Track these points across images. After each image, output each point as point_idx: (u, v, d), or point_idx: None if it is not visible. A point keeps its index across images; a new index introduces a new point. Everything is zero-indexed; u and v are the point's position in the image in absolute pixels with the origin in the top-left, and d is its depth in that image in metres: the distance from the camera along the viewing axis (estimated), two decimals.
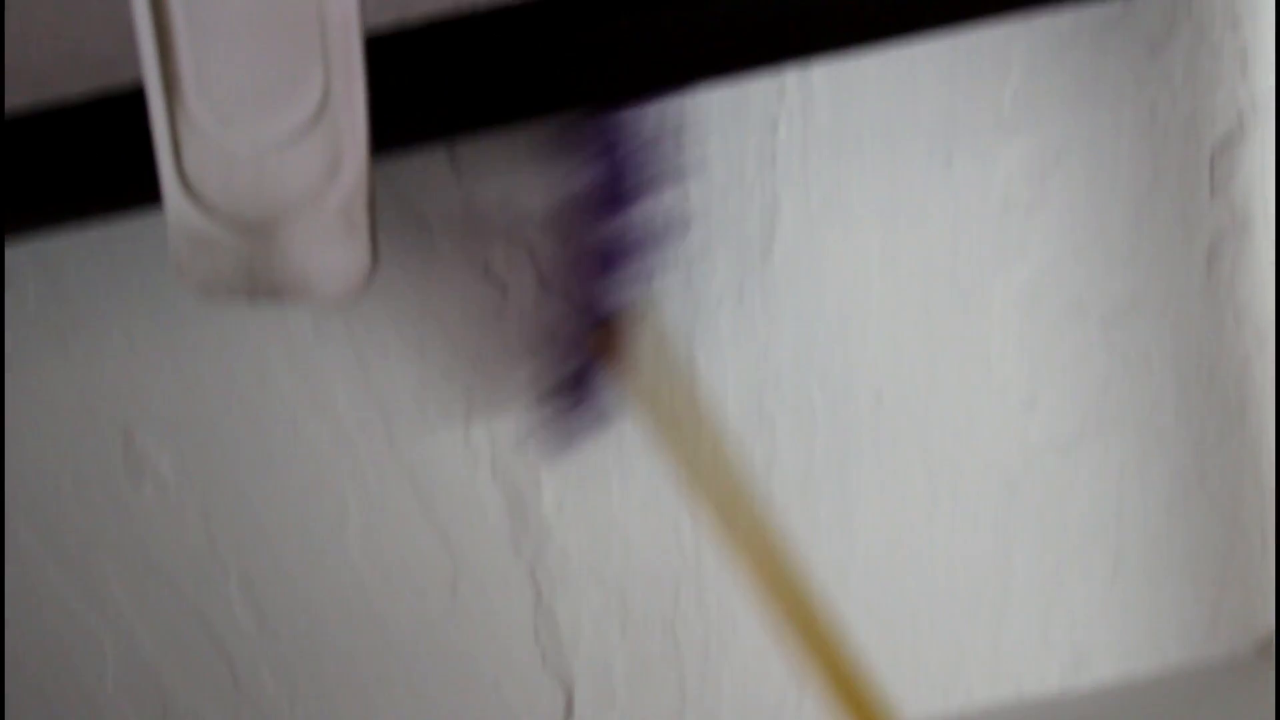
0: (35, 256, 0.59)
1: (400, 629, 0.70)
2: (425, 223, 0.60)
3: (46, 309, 0.61)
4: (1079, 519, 0.70)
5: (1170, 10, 0.57)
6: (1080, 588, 0.71)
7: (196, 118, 0.45)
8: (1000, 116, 0.59)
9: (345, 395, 0.64)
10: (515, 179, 0.58)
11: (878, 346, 0.64)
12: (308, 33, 0.44)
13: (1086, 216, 0.62)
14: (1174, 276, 0.63)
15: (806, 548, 0.67)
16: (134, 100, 0.48)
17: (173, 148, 0.46)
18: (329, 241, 0.47)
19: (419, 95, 0.51)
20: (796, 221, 0.61)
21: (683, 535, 0.68)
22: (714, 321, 0.63)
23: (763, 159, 0.60)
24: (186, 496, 0.66)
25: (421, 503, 0.67)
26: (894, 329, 0.64)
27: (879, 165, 0.60)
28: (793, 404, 0.65)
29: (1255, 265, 0.64)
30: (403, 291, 0.61)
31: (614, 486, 0.67)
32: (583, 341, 0.50)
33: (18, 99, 0.53)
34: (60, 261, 0.60)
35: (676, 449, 0.45)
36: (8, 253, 0.59)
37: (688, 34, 0.50)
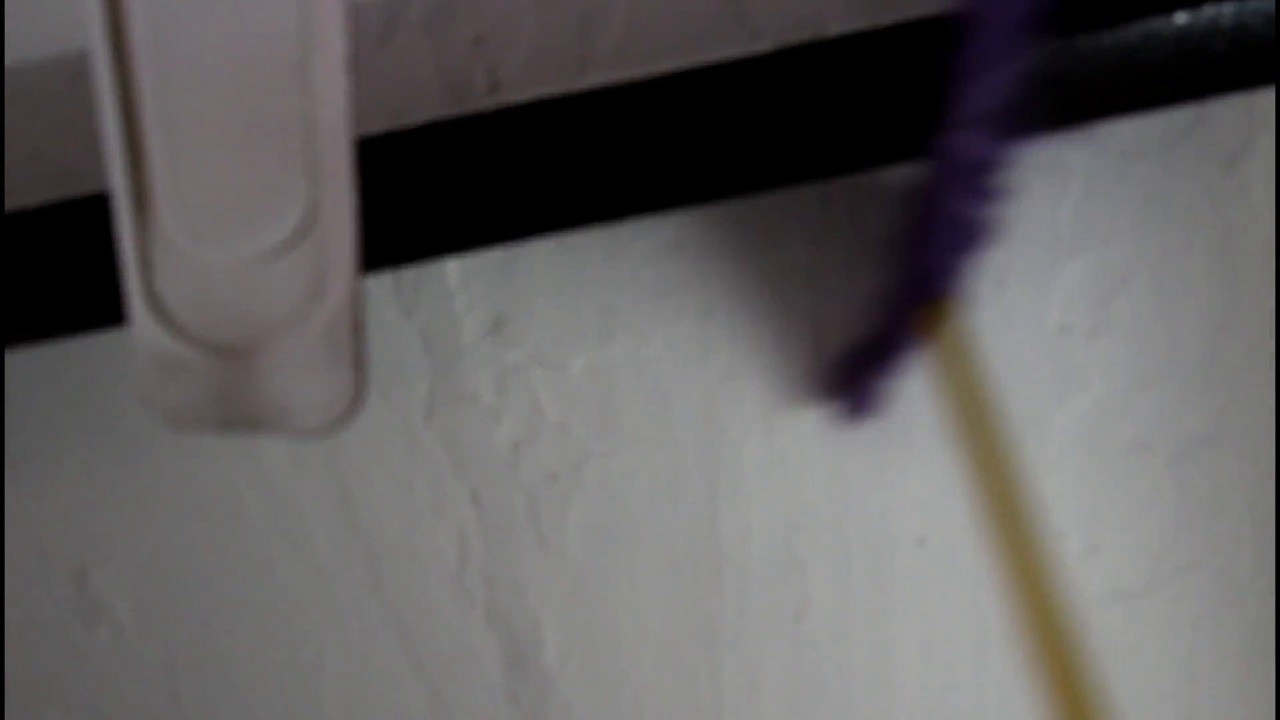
0: None
1: None
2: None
3: None
4: (1147, 677, 0.64)
5: (1247, 120, 0.53)
6: None
7: (168, 231, 0.42)
8: (1058, 235, 0.55)
9: (325, 532, 0.59)
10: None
11: (921, 484, 0.60)
12: (293, 139, 0.41)
13: (1154, 344, 0.57)
14: (1251, 410, 0.58)
15: (840, 706, 0.62)
16: (97, 210, 0.44)
17: (141, 263, 0.42)
18: (311, 368, 0.43)
19: (415, 206, 0.47)
20: (833, 346, 0.57)
21: (700, 690, 0.63)
22: (739, 454, 0.58)
23: (796, 278, 0.55)
24: (146, 643, 0.61)
25: (408, 652, 0.62)
26: (939, 465, 0.59)
27: None
28: (826, 546, 0.60)
29: None
30: (390, 420, 0.57)
31: (624, 635, 0.62)
32: (907, 314, 0.49)
33: None
34: (9, 382, 0.56)
35: (961, 440, 0.45)
36: None
37: (720, 140, 0.46)
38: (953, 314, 0.48)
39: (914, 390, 0.57)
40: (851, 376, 0.56)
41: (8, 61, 0.49)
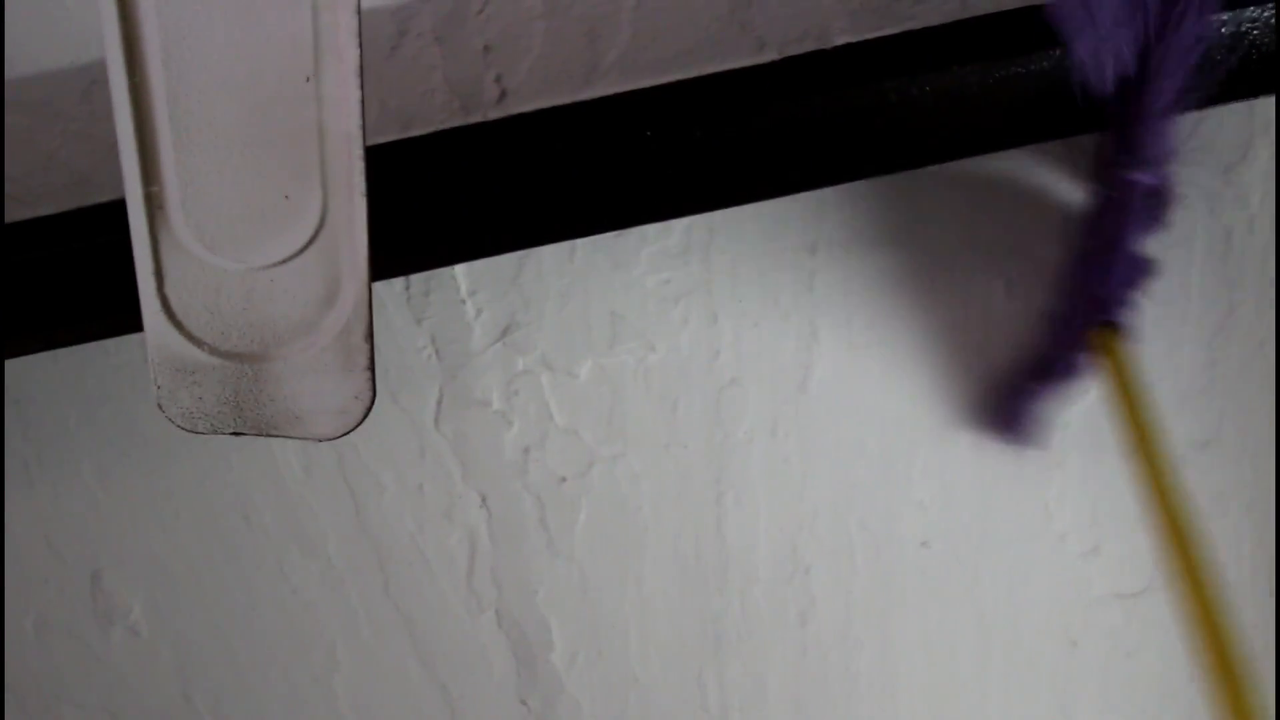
0: None
1: None
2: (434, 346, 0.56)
3: (10, 439, 0.57)
4: (1147, 678, 0.64)
5: (1246, 129, 0.53)
6: None
7: (182, 238, 0.42)
8: (1065, 241, 0.54)
9: (336, 535, 0.59)
10: None
11: (925, 487, 0.60)
12: (306, 149, 0.41)
13: (1155, 349, 0.57)
14: (1250, 415, 0.58)
15: (844, 706, 0.62)
16: (111, 217, 0.45)
17: (155, 270, 0.43)
18: (324, 374, 0.43)
19: (424, 213, 0.47)
20: (836, 350, 0.57)
21: (706, 690, 0.63)
22: (744, 458, 0.59)
23: (799, 283, 0.55)
24: (160, 644, 0.61)
25: (419, 653, 0.62)
26: (943, 468, 0.59)
27: (929, 290, 0.56)
28: (830, 548, 0.61)
29: None
30: (400, 424, 0.57)
31: (631, 636, 0.62)
32: (1084, 335, 0.52)
33: None
34: (25, 388, 0.56)
35: (1132, 457, 0.49)
36: None
37: (725, 148, 0.46)
38: (1122, 339, 0.50)
39: (914, 394, 0.58)
40: (1017, 402, 0.57)
41: (25, 71, 0.49)
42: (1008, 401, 0.57)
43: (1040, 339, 0.56)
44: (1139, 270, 0.50)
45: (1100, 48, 0.45)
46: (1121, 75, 0.45)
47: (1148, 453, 0.47)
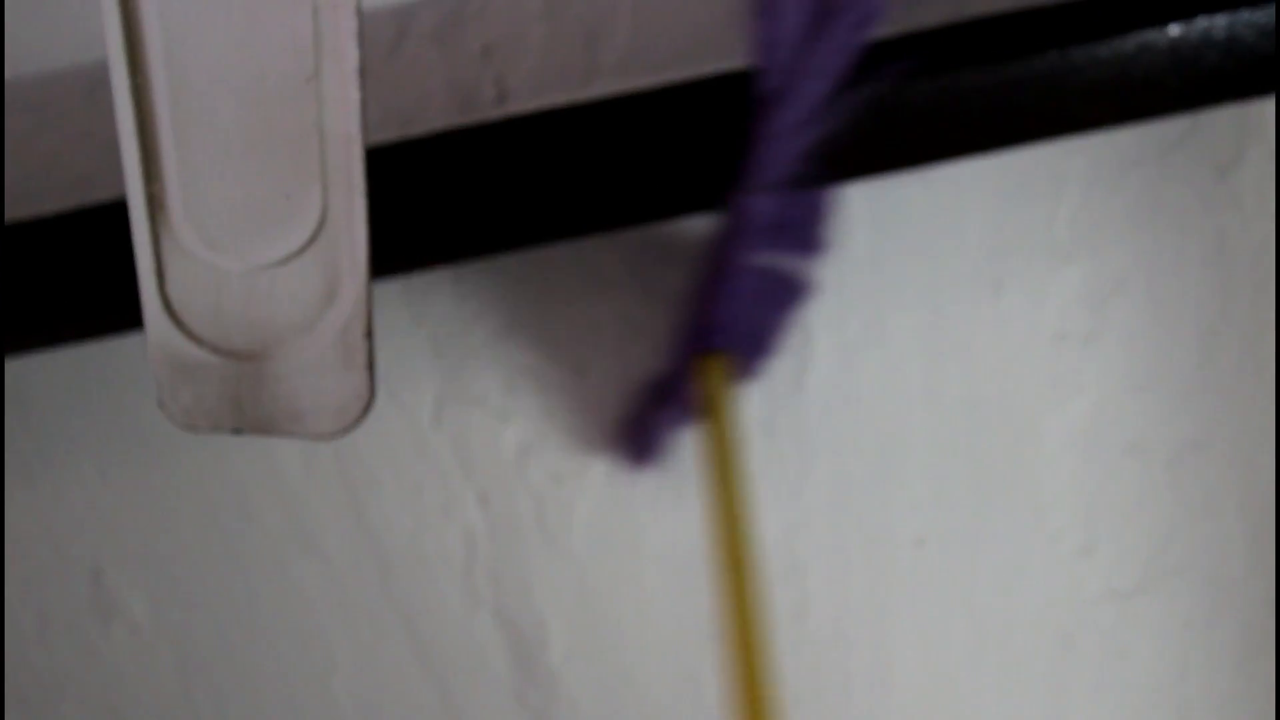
0: None
1: None
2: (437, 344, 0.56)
3: (11, 436, 0.57)
4: (1140, 677, 0.64)
5: (1240, 130, 0.53)
6: None
7: (182, 237, 0.42)
8: (1054, 241, 0.55)
9: (335, 533, 0.59)
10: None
11: (919, 487, 0.60)
12: (306, 149, 0.41)
13: (1148, 349, 0.57)
14: (1244, 414, 0.59)
15: (839, 704, 0.62)
16: (112, 217, 0.45)
17: (156, 269, 0.42)
18: (324, 372, 0.43)
19: (424, 213, 0.47)
20: (831, 351, 0.57)
21: (703, 688, 0.63)
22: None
23: None
24: (160, 641, 0.61)
25: (417, 651, 0.62)
26: (937, 469, 0.59)
27: (921, 292, 0.56)
28: (826, 547, 0.61)
29: None
30: (399, 423, 0.57)
31: (628, 634, 0.62)
32: (688, 363, 0.50)
33: None
34: (26, 385, 0.56)
35: (708, 491, 0.47)
36: None
37: (724, 150, 0.46)
38: (723, 369, 0.48)
39: (910, 393, 0.58)
40: (636, 423, 0.56)
41: (28, 71, 0.49)
42: (633, 425, 0.56)
43: (659, 363, 0.54)
44: (749, 300, 0.47)
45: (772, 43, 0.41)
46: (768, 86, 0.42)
47: (724, 489, 0.45)
